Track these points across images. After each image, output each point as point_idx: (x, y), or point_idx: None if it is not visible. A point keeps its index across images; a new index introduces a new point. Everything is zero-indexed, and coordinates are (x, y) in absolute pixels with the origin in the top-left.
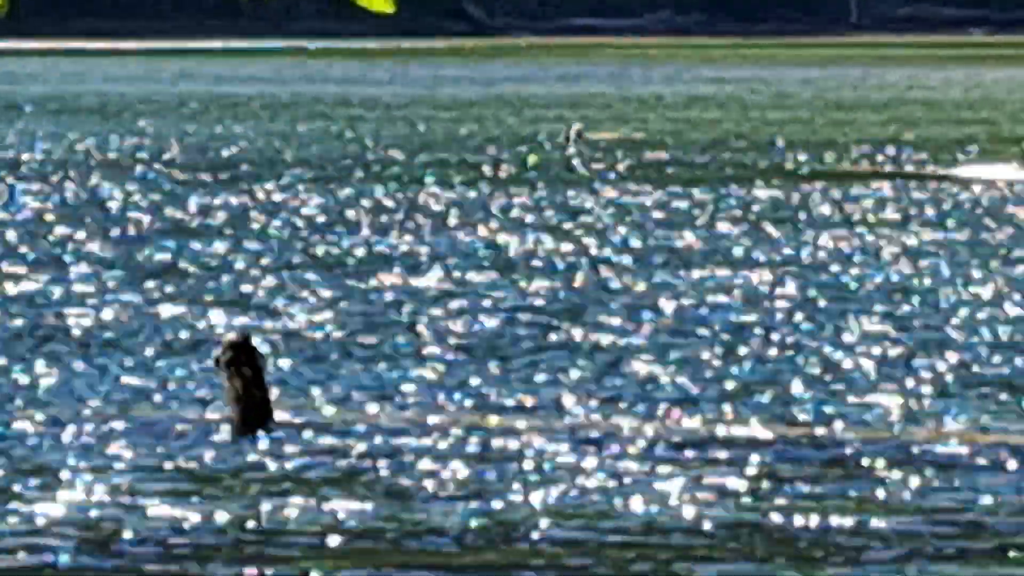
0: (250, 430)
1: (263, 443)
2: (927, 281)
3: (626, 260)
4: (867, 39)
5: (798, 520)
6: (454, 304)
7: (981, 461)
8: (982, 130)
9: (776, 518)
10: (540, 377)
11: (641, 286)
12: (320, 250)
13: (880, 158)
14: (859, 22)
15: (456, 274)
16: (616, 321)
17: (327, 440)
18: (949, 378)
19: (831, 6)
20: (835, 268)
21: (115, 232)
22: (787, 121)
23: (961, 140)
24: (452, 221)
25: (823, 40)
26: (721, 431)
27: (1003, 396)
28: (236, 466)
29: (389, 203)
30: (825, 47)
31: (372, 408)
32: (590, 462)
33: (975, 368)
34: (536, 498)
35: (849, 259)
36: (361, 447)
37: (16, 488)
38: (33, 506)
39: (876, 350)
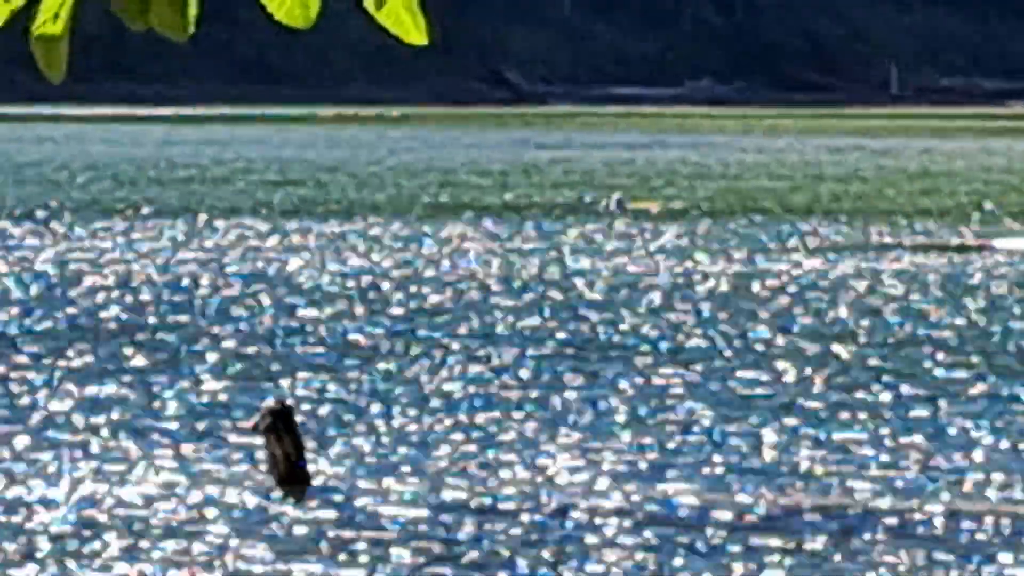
0: (288, 495)
1: (300, 507)
2: (962, 349)
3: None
4: (907, 110)
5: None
6: (494, 369)
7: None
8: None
9: None
10: (587, 443)
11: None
12: (356, 316)
13: (920, 228)
14: (900, 93)
15: (497, 344)
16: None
17: (363, 505)
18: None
19: (871, 77)
20: (869, 337)
21: (150, 300)
22: (826, 191)
23: (1000, 210)
24: (495, 288)
25: (863, 111)
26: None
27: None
28: (273, 530)
29: (423, 267)
30: (865, 118)
31: (409, 474)
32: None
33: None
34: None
35: (885, 328)
36: (397, 513)
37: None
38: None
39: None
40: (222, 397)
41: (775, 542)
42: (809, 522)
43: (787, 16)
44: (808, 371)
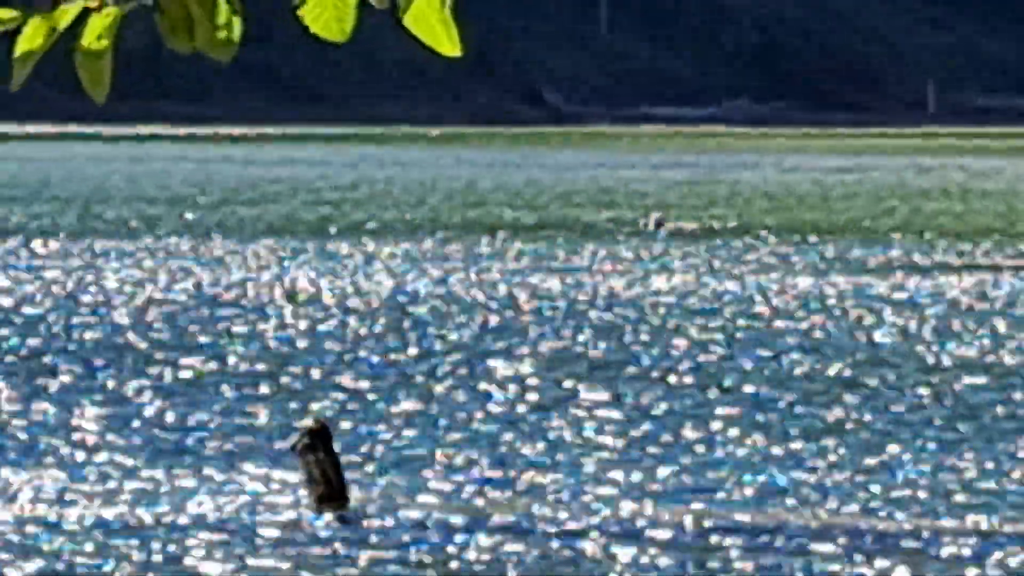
0: (326, 514)
1: (339, 527)
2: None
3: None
4: (944, 129)
5: None
6: (531, 388)
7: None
8: None
9: None
10: (628, 464)
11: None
12: (390, 336)
13: (956, 248)
14: (937, 112)
15: (533, 364)
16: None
17: (401, 524)
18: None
19: (908, 96)
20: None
21: (183, 319)
22: (863, 210)
23: None
24: (530, 309)
25: (900, 130)
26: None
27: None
28: (312, 550)
29: (458, 287)
30: (902, 137)
31: (446, 494)
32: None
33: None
34: None
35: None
36: (435, 531)
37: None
38: None
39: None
40: (256, 417)
41: (791, 563)
42: (831, 543)
43: (823, 36)
44: (843, 392)
